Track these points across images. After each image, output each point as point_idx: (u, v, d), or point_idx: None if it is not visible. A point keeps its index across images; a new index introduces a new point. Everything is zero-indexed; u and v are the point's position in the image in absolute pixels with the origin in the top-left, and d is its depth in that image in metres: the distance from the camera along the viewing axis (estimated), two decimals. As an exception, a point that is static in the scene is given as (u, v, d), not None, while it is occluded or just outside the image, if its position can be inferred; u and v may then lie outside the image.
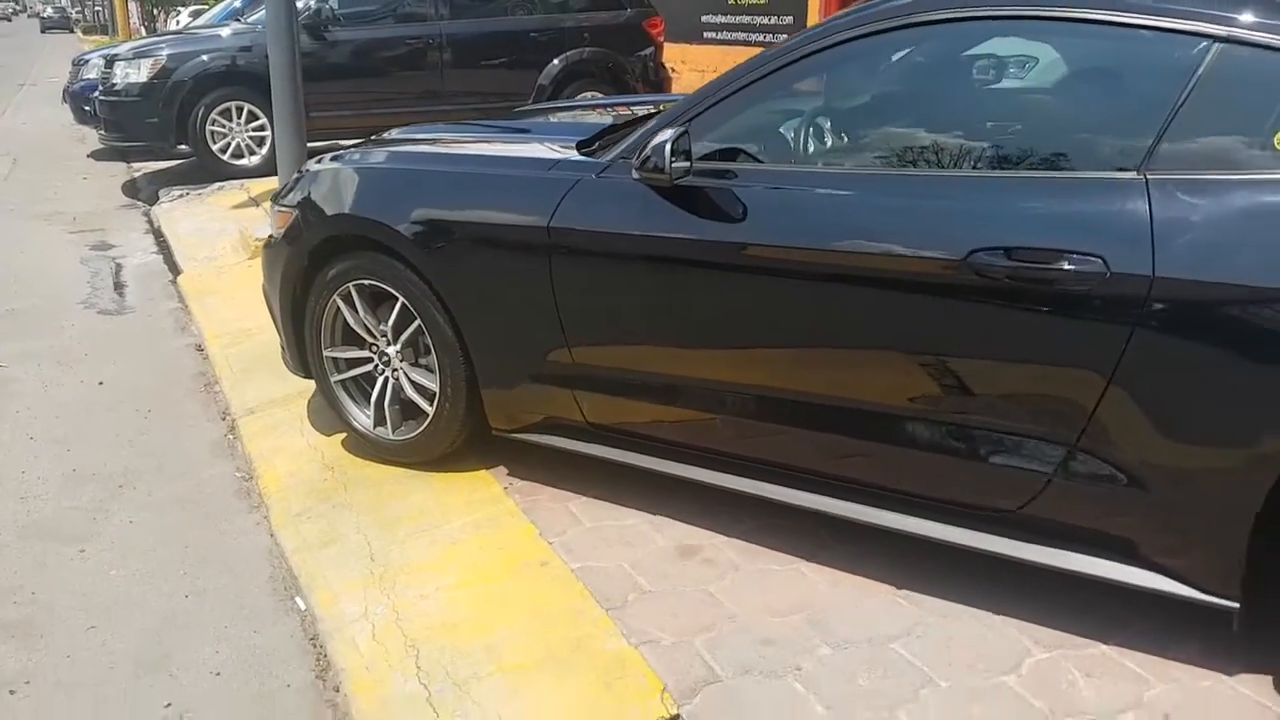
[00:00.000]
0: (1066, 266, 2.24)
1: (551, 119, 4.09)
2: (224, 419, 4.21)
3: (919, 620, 2.57)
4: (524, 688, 2.40)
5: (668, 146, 2.66)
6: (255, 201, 7.97)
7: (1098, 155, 2.37)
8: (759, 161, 2.83)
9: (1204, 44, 2.23)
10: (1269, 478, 2.08)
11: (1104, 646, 2.44)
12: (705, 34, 12.00)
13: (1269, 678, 2.29)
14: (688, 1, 11.98)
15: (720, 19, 11.75)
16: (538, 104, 7.83)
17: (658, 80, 10.11)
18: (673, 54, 11.36)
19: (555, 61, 9.69)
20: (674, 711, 2.30)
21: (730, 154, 2.82)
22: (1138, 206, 2.20)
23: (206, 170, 9.02)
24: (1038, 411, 2.35)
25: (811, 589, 2.72)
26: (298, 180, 3.63)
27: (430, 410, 3.32)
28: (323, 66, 8.84)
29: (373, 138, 4.08)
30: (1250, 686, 2.28)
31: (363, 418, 3.52)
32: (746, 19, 11.39)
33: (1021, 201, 2.36)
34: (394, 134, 4.04)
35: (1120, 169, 2.27)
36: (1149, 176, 2.22)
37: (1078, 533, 2.39)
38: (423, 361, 3.35)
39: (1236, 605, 2.22)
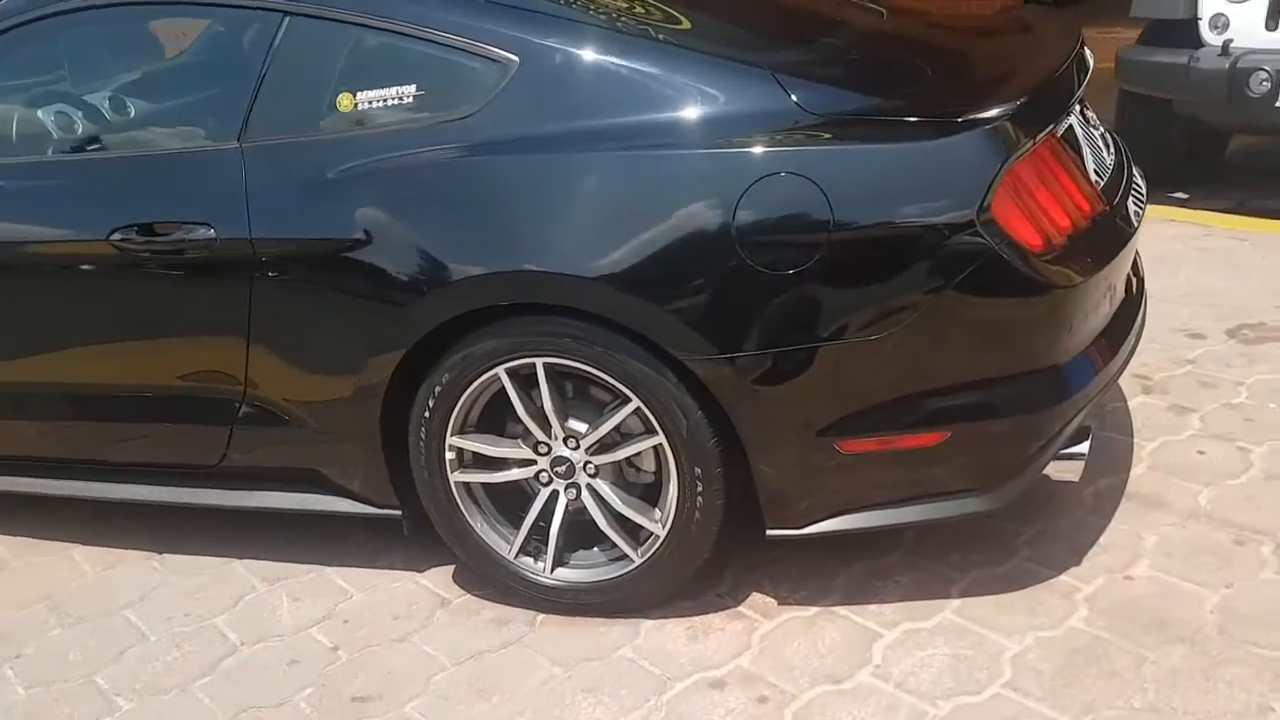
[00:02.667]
0: (187, 237, 2.40)
1: None
2: None
3: (162, 582, 2.71)
4: None
5: None
6: None
7: (211, 130, 2.55)
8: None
9: (277, 17, 2.44)
10: (376, 402, 2.39)
11: (326, 569, 2.70)
12: None
13: (448, 570, 2.64)
14: None
15: None
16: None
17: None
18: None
19: None
20: None
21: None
22: (236, 175, 2.39)
23: None
24: (208, 371, 2.53)
25: (75, 572, 2.79)
26: None
27: None
28: None
29: None
30: (433, 580, 2.62)
31: None
32: None
33: (152, 179, 2.51)
34: None
35: (224, 141, 2.46)
36: (244, 146, 2.42)
37: (275, 473, 2.62)
38: None
39: (399, 512, 2.55)
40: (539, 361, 2.25)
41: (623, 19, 2.39)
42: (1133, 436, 2.94)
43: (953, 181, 2.06)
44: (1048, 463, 2.28)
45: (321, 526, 2.73)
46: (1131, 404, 3.12)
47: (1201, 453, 2.84)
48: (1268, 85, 4.54)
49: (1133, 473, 2.78)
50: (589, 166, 2.20)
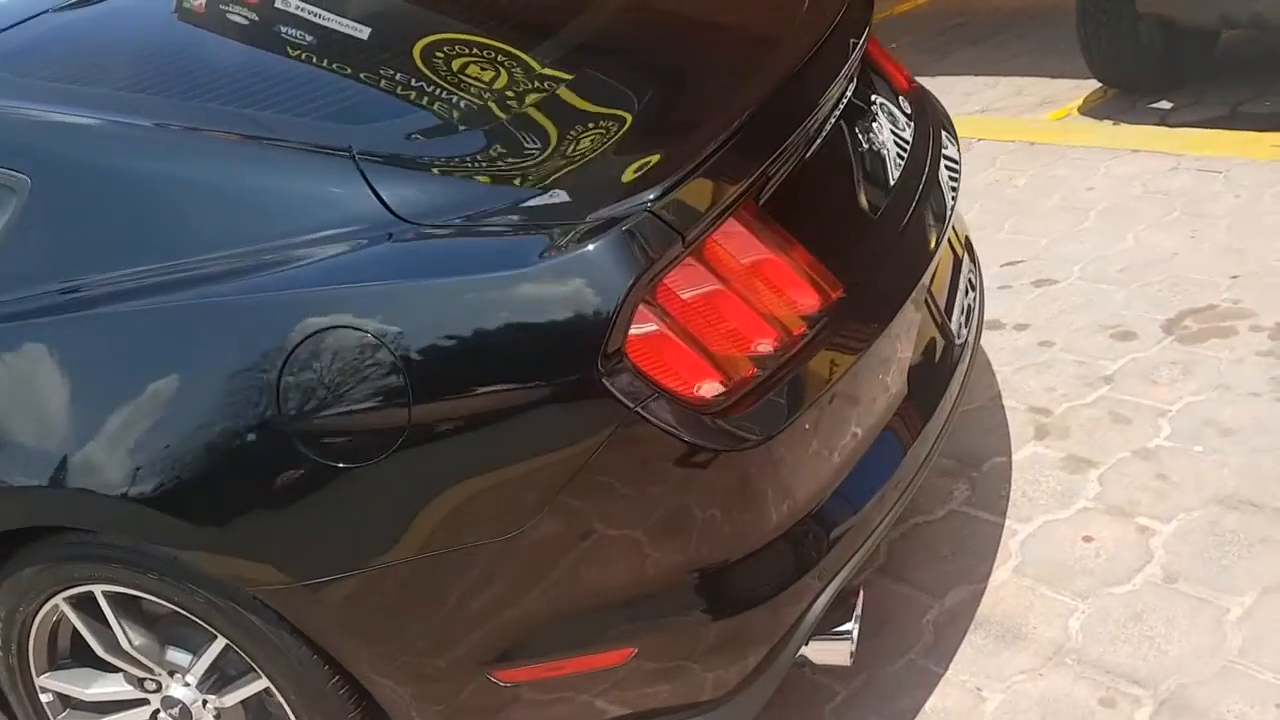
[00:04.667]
0: None
1: None
2: None
3: None
4: None
5: None
6: None
7: None
8: None
9: None
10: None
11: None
12: None
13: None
14: None
15: None
16: None
17: None
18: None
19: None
20: None
21: None
22: None
23: None
24: None
25: None
26: None
27: None
28: None
29: None
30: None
31: None
32: None
33: None
34: None
35: None
36: None
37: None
38: None
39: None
40: (97, 590, 1.70)
41: (172, 105, 1.75)
42: (1004, 517, 2.27)
43: (568, 319, 1.40)
44: (798, 651, 1.65)
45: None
46: (1018, 456, 2.43)
47: (1088, 539, 2.15)
48: (1237, -30, 3.68)
49: (994, 579, 2.12)
50: (104, 330, 1.58)
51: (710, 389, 1.45)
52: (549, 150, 1.62)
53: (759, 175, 1.57)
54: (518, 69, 1.79)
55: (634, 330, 1.40)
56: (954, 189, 2.12)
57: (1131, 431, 2.41)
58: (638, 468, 1.44)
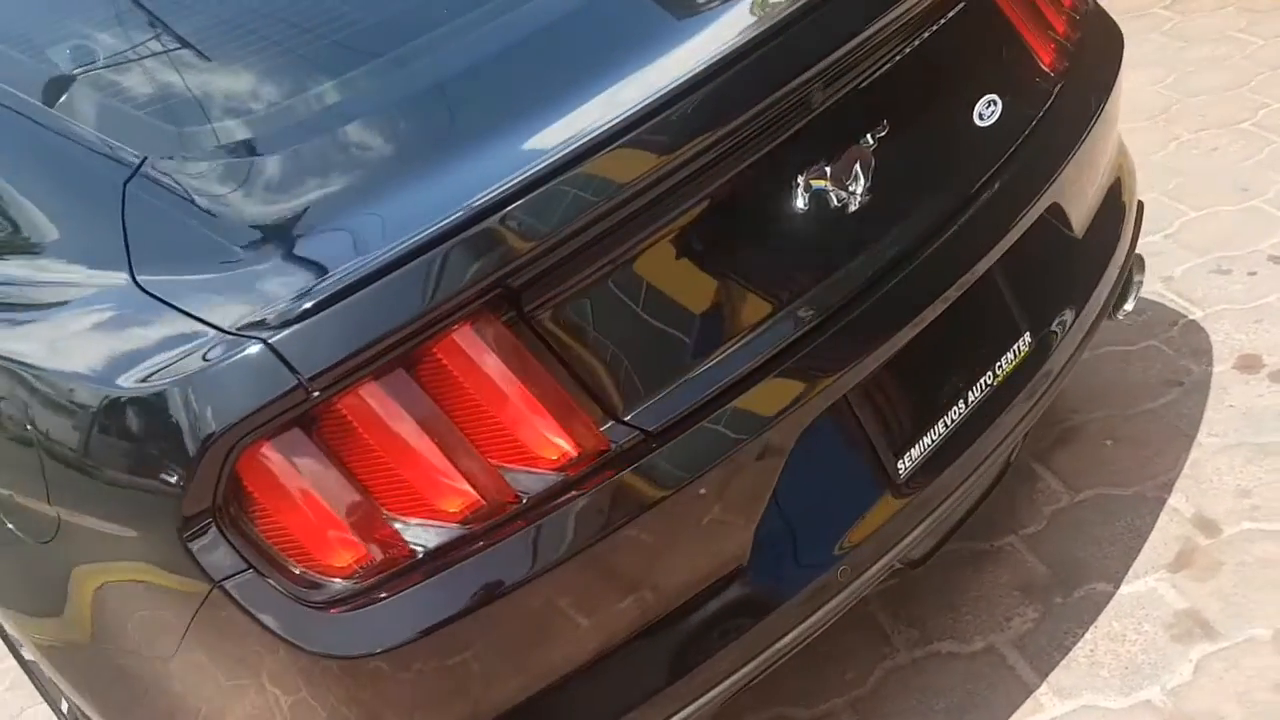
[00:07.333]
0: None
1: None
2: None
3: None
4: None
5: None
6: None
7: None
8: None
9: None
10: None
11: None
12: None
13: None
14: None
15: None
16: None
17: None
18: None
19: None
20: None
21: None
22: None
23: None
24: None
25: None
26: None
27: None
28: None
29: None
30: None
31: None
32: None
33: None
34: None
35: None
36: None
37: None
38: None
39: None
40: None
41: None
42: (1044, 679, 1.64)
43: (160, 462, 1.16)
44: None
45: None
46: (1127, 589, 1.74)
47: (1121, 757, 1.51)
48: None
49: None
50: None
51: (333, 569, 1.15)
52: (297, 203, 1.31)
53: (502, 277, 1.17)
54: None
55: (245, 483, 1.14)
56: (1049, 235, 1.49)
57: (1301, 603, 1.63)
58: (231, 654, 1.22)
